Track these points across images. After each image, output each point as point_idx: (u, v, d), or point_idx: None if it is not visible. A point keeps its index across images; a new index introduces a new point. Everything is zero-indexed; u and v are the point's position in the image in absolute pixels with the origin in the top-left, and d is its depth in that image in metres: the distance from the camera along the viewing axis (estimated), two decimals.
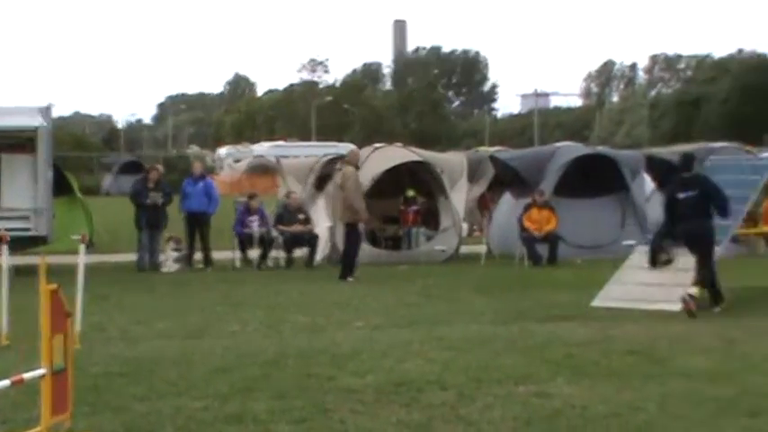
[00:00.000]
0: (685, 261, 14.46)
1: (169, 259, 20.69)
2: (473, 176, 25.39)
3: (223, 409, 8.29)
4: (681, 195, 14.36)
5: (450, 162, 23.64)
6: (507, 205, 23.51)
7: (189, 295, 16.51)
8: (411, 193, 23.43)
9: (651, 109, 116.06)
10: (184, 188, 21.50)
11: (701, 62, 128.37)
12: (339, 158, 24.17)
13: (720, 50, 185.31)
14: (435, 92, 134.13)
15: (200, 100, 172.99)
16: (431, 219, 22.88)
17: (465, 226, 24.03)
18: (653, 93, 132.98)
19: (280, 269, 20.85)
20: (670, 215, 14.55)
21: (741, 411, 8.10)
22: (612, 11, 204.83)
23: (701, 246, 14.17)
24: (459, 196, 22.98)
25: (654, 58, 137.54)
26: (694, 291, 13.76)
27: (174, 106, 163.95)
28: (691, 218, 14.23)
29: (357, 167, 18.76)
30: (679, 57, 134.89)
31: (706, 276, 14.08)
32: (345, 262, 18.54)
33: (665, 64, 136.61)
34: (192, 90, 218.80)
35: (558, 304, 14.59)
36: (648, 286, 14.38)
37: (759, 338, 11.56)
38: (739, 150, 26.03)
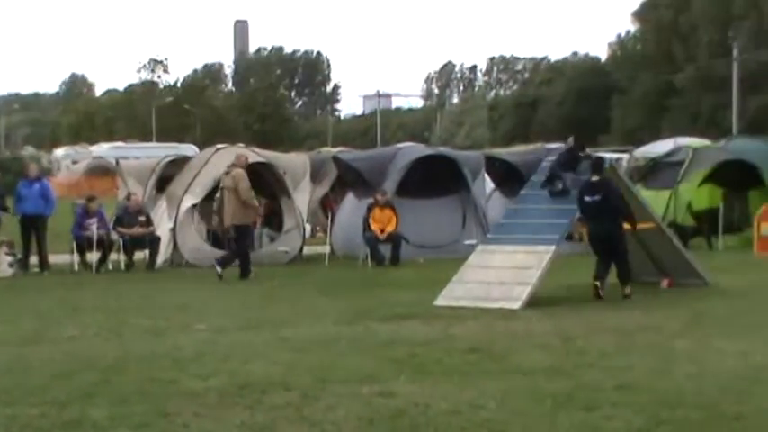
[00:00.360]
0: (525, 258, 14.77)
1: (3, 264, 20.04)
2: (316, 177, 25.38)
3: (61, 415, 8.08)
4: (588, 199, 15.18)
5: (293, 163, 23.59)
6: (350, 206, 23.59)
7: (25, 300, 16.04)
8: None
9: (490, 110, 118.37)
10: (19, 190, 20.89)
11: (538, 65, 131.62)
12: (182, 160, 23.91)
13: (556, 53, 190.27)
14: (278, 93, 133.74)
15: (36, 100, 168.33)
16: (274, 220, 22.78)
17: (308, 227, 24.01)
18: (492, 94, 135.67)
19: (120, 272, 20.45)
20: (582, 216, 15.57)
21: (578, 406, 8.31)
22: (452, 13, 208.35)
23: (609, 245, 15.22)
24: (303, 197, 22.95)
25: (492, 61, 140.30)
26: (627, 290, 15.12)
27: (6, 106, 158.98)
28: (597, 220, 15.24)
29: (244, 169, 18.98)
30: (517, 59, 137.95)
31: (625, 273, 15.29)
32: (242, 262, 18.62)
33: (504, 66, 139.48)
34: (26, 90, 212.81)
35: (401, 303, 14.70)
36: (489, 285, 14.63)
37: (596, 334, 11.88)
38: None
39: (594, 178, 15.32)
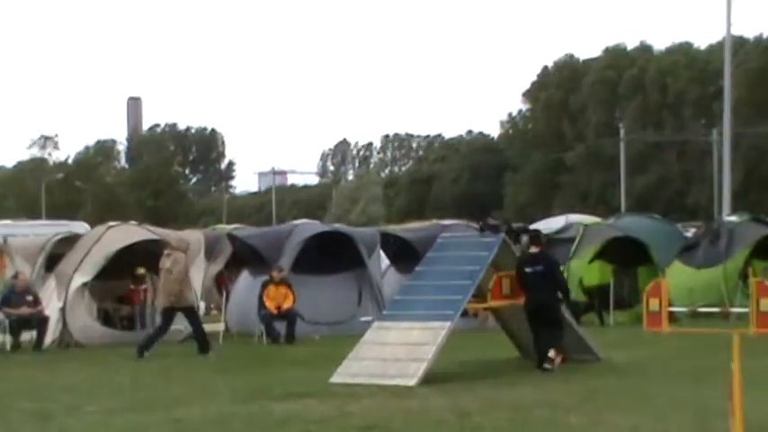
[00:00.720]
0: (420, 335, 14.79)
1: None
2: (210, 254, 25.12)
3: None
4: (528, 270, 15.74)
5: (188, 240, 23.34)
6: (245, 283, 23.42)
7: None
8: (141, 271, 22.93)
9: (386, 187, 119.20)
10: None
11: (432, 142, 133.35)
12: (72, 237, 23.46)
13: (450, 131, 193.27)
14: (171, 169, 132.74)
15: None
16: None
17: (202, 305, 23.72)
18: (387, 171, 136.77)
19: (5, 353, 19.88)
20: (521, 286, 15.91)
21: None
22: (347, 91, 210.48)
23: (547, 315, 15.70)
24: (197, 274, 22.69)
25: (387, 138, 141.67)
26: (552, 354, 15.33)
27: None
28: (537, 290, 15.67)
29: (185, 253, 19.29)
30: (411, 136, 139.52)
31: (557, 342, 15.55)
32: (200, 338, 18.97)
33: (398, 143, 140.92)
34: None
35: (296, 381, 14.58)
36: (385, 361, 14.60)
37: (491, 410, 11.91)
38: (468, 227, 26.97)
39: (534, 250, 15.99)
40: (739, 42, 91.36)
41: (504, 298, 16.07)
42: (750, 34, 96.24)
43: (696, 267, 25.37)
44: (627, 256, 24.98)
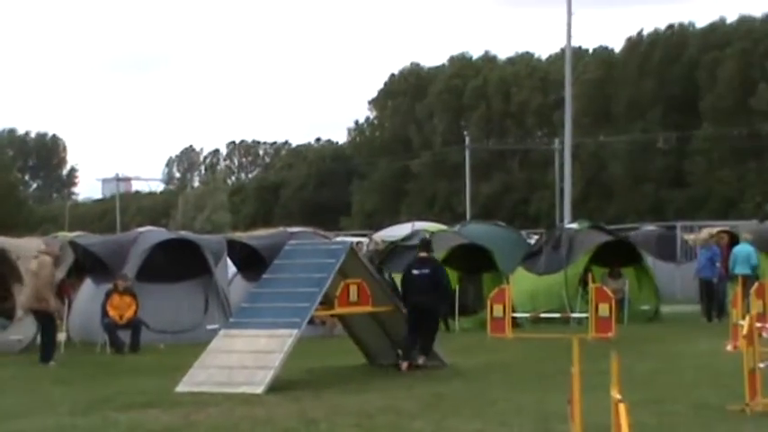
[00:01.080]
0: (267, 343, 14.72)
1: None
2: None
3: None
4: (416, 272, 16.65)
5: (27, 248, 22.70)
6: (88, 291, 22.91)
7: None
8: None
9: (233, 194, 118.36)
10: None
11: (280, 149, 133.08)
12: None
13: (298, 138, 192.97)
14: (11, 175, 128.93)
15: None
16: (6, 307, 21.79)
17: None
18: (234, 178, 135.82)
19: None
20: (405, 289, 16.85)
21: None
22: (193, 97, 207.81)
23: (429, 317, 16.54)
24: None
25: (234, 145, 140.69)
26: (421, 360, 16.16)
27: None
28: (421, 293, 16.45)
29: (55, 258, 19.18)
30: (258, 143, 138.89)
31: (430, 346, 16.43)
32: (45, 345, 18.57)
33: (245, 150, 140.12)
34: None
35: (140, 391, 14.33)
36: (231, 369, 14.49)
37: (338, 417, 11.94)
38: (315, 235, 27.02)
39: (423, 254, 17.05)
40: (579, 53, 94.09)
41: (350, 305, 16.13)
42: (589, 45, 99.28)
43: (538, 274, 25.97)
44: (471, 262, 25.38)
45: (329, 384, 14.84)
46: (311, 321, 17.97)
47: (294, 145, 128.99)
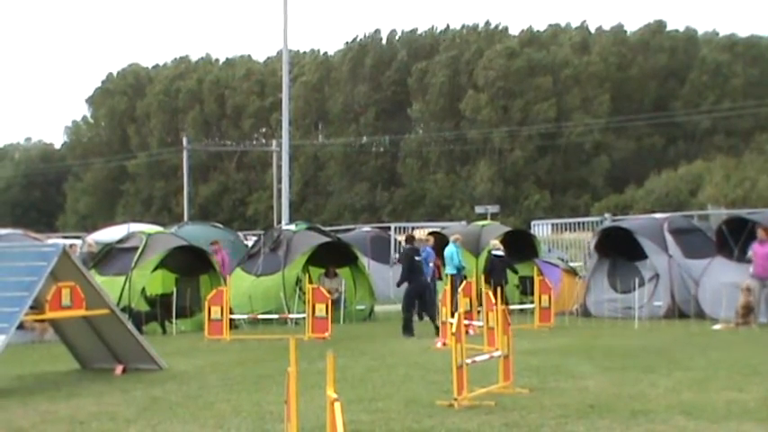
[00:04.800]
0: None
1: None
2: None
3: None
4: (417, 258, 22.45)
5: None
6: None
7: None
8: None
9: None
10: None
11: None
12: None
13: (7, 138, 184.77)
14: None
15: None
16: None
17: None
18: None
19: None
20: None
21: None
22: None
23: (429, 292, 23.11)
24: None
25: None
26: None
27: None
28: (422, 273, 22.64)
29: None
30: None
31: (433, 311, 22.37)
32: None
33: None
34: None
35: None
36: None
37: (48, 424, 11.56)
38: (26, 236, 26.03)
39: (418, 245, 23.58)
40: (296, 56, 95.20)
41: (63, 309, 15.64)
42: (306, 48, 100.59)
43: (256, 275, 26.07)
44: (189, 264, 25.19)
45: (39, 391, 14.34)
46: (21, 326, 17.32)
47: (1, 145, 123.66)
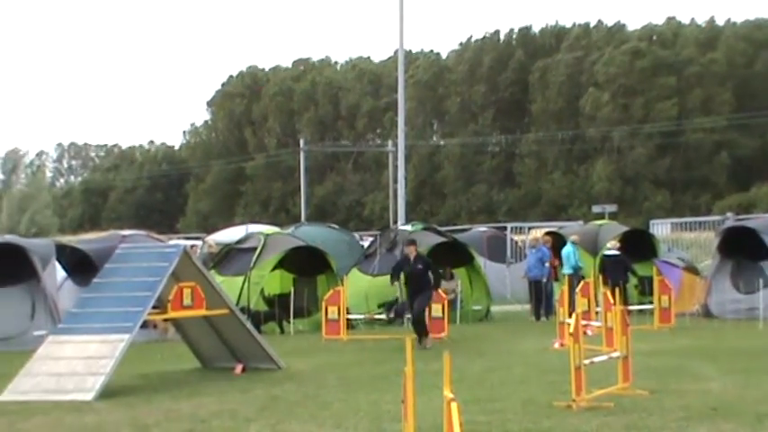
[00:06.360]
0: (98, 348, 14.42)
1: None
2: None
3: None
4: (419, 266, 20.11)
5: None
6: None
7: None
8: None
9: (63, 197, 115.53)
10: None
11: (110, 152, 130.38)
12: None
13: (130, 141, 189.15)
14: None
15: None
16: None
17: None
18: (62, 181, 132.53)
19: None
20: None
21: None
22: (17, 100, 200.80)
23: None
24: None
25: (62, 147, 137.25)
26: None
27: None
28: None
29: None
30: (89, 146, 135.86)
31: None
32: None
33: (76, 153, 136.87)
34: None
35: None
36: (60, 377, 14.12)
37: (171, 422, 11.78)
38: (149, 237, 26.62)
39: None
40: (408, 56, 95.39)
41: (184, 309, 15.93)
42: (418, 48, 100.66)
43: (373, 275, 26.15)
44: (306, 264, 25.41)
45: (162, 389, 14.63)
46: (144, 325, 17.69)
47: (125, 147, 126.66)
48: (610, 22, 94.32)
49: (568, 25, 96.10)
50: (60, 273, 23.55)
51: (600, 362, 12.89)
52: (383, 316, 24.42)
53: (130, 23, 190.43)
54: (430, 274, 20.33)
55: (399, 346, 18.45)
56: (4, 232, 51.50)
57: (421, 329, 19.86)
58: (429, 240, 26.88)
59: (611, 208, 58.22)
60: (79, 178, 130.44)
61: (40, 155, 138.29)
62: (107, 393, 13.72)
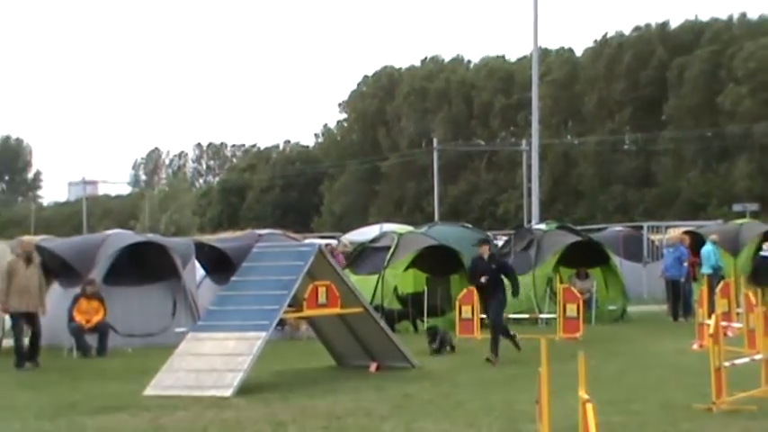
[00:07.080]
0: (236, 345, 14.69)
1: None
2: None
3: None
4: (494, 266, 18.40)
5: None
6: (55, 295, 22.69)
7: None
8: None
9: (201, 197, 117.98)
10: None
11: (247, 152, 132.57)
12: None
13: (266, 141, 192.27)
14: None
15: None
16: None
17: (7, 318, 22.89)
18: (201, 180, 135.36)
19: None
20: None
21: None
22: (158, 99, 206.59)
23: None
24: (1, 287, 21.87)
25: (201, 147, 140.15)
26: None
27: None
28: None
29: (28, 258, 19.17)
30: (226, 146, 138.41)
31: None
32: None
33: (214, 153, 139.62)
34: None
35: (109, 395, 14.25)
36: (200, 373, 14.44)
37: (307, 419, 11.93)
38: (284, 236, 26.99)
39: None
40: (543, 54, 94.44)
41: (319, 307, 16.11)
42: (551, 46, 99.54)
43: None
44: (440, 264, 25.42)
45: (298, 387, 14.82)
46: (280, 323, 17.96)
47: (262, 147, 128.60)
48: (754, 15, 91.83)
49: (706, 19, 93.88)
50: (200, 271, 24.08)
51: (741, 364, 12.57)
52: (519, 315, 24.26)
53: (268, 27, 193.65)
54: (503, 277, 18.44)
55: (534, 345, 18.29)
56: (146, 232, 52.83)
57: (499, 337, 18.10)
58: (564, 240, 26.63)
59: (753, 206, 56.71)
60: (217, 178, 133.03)
61: (180, 155, 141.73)
62: (245, 390, 13.97)
